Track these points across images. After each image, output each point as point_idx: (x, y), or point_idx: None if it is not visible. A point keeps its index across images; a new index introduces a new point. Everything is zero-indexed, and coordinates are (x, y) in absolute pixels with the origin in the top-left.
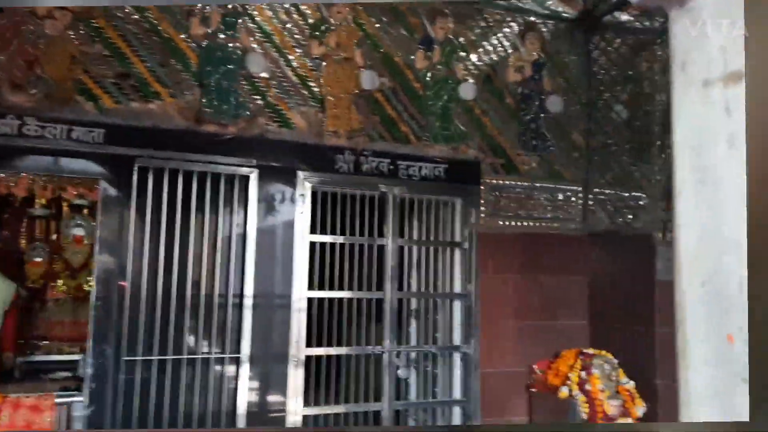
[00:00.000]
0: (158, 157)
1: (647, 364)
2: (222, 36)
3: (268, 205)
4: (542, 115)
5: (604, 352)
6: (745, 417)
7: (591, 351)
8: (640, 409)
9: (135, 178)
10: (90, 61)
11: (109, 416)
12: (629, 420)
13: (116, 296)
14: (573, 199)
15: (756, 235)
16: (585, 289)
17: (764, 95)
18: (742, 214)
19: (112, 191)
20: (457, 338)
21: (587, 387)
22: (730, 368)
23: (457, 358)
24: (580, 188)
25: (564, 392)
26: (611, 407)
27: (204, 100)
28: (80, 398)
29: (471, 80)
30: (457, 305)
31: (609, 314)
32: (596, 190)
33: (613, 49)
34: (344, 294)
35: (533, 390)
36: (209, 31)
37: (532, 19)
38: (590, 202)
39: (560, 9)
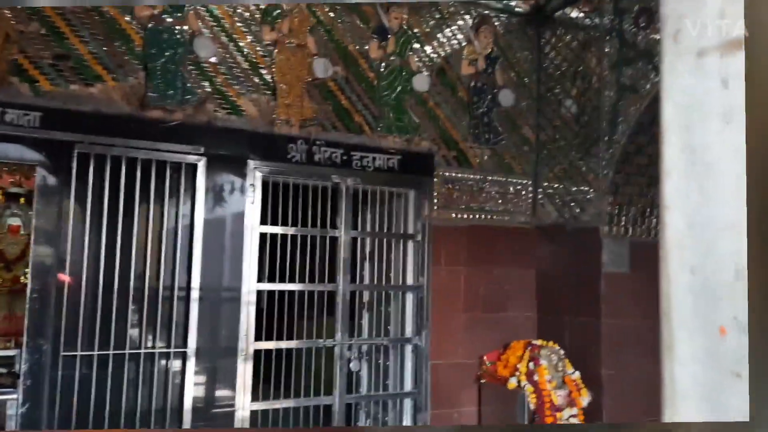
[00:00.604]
0: (100, 143)
1: (593, 355)
2: (168, 18)
3: (216, 195)
4: (494, 108)
5: (551, 343)
6: (737, 416)
7: (539, 342)
8: (585, 399)
9: (75, 165)
10: (26, 40)
11: (46, 415)
12: (574, 410)
13: (54, 289)
14: (523, 192)
15: (757, 219)
16: (534, 281)
17: (764, 95)
18: (739, 196)
19: (50, 179)
20: (408, 330)
21: (535, 378)
22: (721, 363)
23: (408, 350)
24: (529, 182)
25: (513, 383)
26: (558, 397)
27: (149, 85)
28: (14, 396)
29: (425, 72)
30: (410, 297)
31: (556, 306)
32: (545, 183)
33: (563, 45)
34: (295, 286)
35: (483, 381)
36: (155, 12)
37: (486, 12)
38: (539, 196)
39: (513, 3)
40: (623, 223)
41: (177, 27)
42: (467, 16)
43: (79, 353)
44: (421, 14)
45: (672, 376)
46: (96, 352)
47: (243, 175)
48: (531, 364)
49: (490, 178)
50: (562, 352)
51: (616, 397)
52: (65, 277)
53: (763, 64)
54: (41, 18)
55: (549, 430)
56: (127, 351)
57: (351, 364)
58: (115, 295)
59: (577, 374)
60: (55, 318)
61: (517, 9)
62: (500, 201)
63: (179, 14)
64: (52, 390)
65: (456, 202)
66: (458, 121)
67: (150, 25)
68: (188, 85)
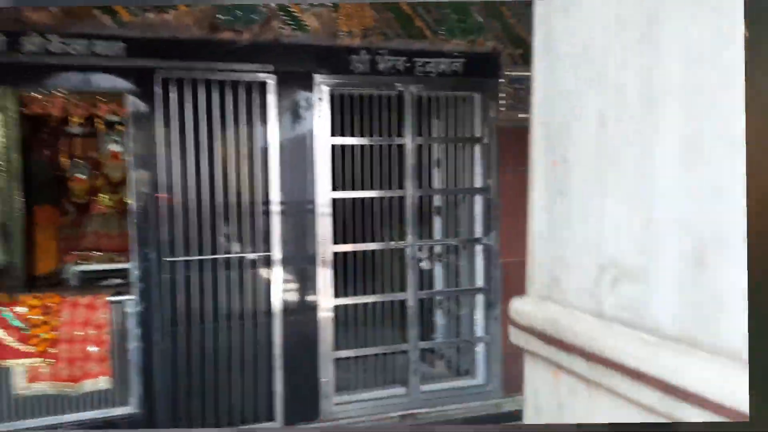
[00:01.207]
0: (178, 67)
1: None
2: None
3: (287, 110)
4: None
5: None
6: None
7: None
8: None
9: (158, 90)
10: None
11: (157, 313)
12: None
13: (153, 206)
14: None
15: (756, 219)
16: None
17: (764, 96)
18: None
19: (140, 105)
20: (478, 231)
21: None
22: None
23: (478, 249)
24: None
25: None
26: None
27: (217, 8)
28: (131, 297)
29: None
30: (478, 200)
31: None
32: None
33: None
34: (367, 194)
35: None
36: None
37: None
38: None
39: None
40: None
41: None
42: None
43: (180, 259)
44: None
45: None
46: (194, 258)
47: (310, 90)
48: None
49: None
50: None
51: None
52: (162, 196)
53: (764, 64)
54: None
55: (549, 430)
56: (220, 255)
57: (422, 263)
58: (204, 209)
59: None
60: (157, 231)
61: None
62: None
63: None
64: (159, 292)
65: (523, 102)
66: (524, 16)
67: None
68: (253, 5)
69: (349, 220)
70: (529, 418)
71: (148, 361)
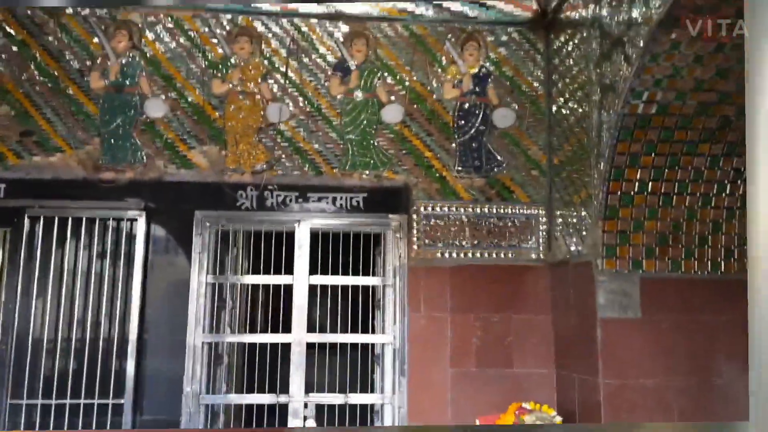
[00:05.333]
0: (49, 206)
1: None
2: (122, 84)
3: (160, 246)
4: (487, 131)
5: (544, 407)
6: None
7: (529, 406)
8: None
9: (25, 227)
10: None
11: None
12: None
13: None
14: (533, 223)
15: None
16: (550, 329)
17: (764, 95)
18: None
19: (14, 243)
20: (384, 386)
21: None
22: None
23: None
24: (540, 211)
25: None
26: None
27: (103, 149)
28: None
29: (396, 102)
30: (388, 351)
31: (566, 361)
32: (559, 212)
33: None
34: (246, 338)
35: None
36: (109, 82)
37: (469, 28)
38: (557, 227)
39: (509, 11)
40: (629, 254)
41: (130, 92)
42: (451, 35)
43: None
44: (392, 41)
45: None
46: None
47: (190, 226)
48: None
49: (487, 210)
50: (555, 418)
51: None
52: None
53: (763, 63)
54: (9, 101)
55: (548, 430)
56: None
57: (307, 420)
58: (59, 349)
59: None
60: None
61: (515, 18)
62: (502, 235)
63: (131, 81)
64: None
65: (440, 239)
66: (441, 149)
67: (104, 94)
68: (138, 143)
69: (236, 367)
70: None
71: None
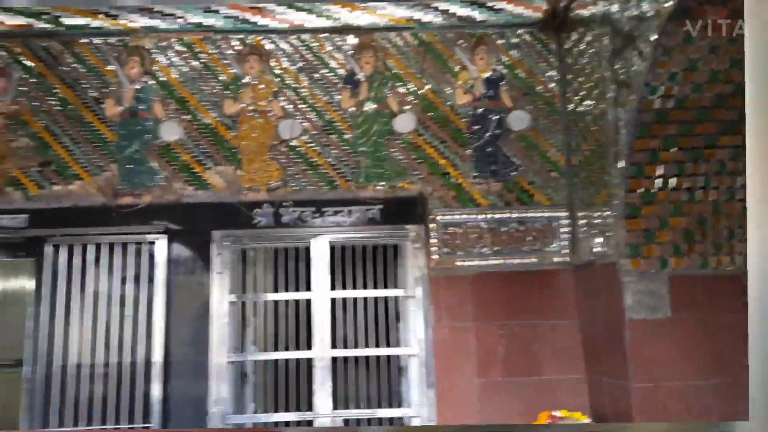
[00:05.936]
0: (69, 233)
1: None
2: (136, 110)
3: (180, 268)
4: (502, 135)
5: (577, 414)
6: None
7: (560, 413)
8: None
9: (46, 255)
10: (18, 153)
11: None
12: None
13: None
14: (555, 225)
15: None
16: (578, 334)
17: (765, 94)
18: None
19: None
20: (410, 399)
21: None
22: None
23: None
24: (561, 213)
25: None
26: None
27: (121, 174)
28: None
29: (407, 111)
30: (413, 363)
31: (597, 366)
32: (581, 213)
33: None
34: (270, 355)
35: None
36: (122, 109)
37: (479, 32)
38: (581, 228)
39: (519, 13)
40: (656, 253)
41: (144, 117)
42: (461, 41)
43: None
44: (401, 50)
45: None
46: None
47: (208, 246)
48: None
49: (507, 215)
50: (586, 422)
51: None
52: None
53: (763, 63)
54: (29, 133)
55: (549, 430)
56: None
57: None
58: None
59: None
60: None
61: (526, 19)
62: (523, 240)
63: (145, 106)
64: None
65: (459, 248)
66: (456, 156)
67: (120, 120)
68: (155, 167)
69: (260, 386)
70: None
71: None
